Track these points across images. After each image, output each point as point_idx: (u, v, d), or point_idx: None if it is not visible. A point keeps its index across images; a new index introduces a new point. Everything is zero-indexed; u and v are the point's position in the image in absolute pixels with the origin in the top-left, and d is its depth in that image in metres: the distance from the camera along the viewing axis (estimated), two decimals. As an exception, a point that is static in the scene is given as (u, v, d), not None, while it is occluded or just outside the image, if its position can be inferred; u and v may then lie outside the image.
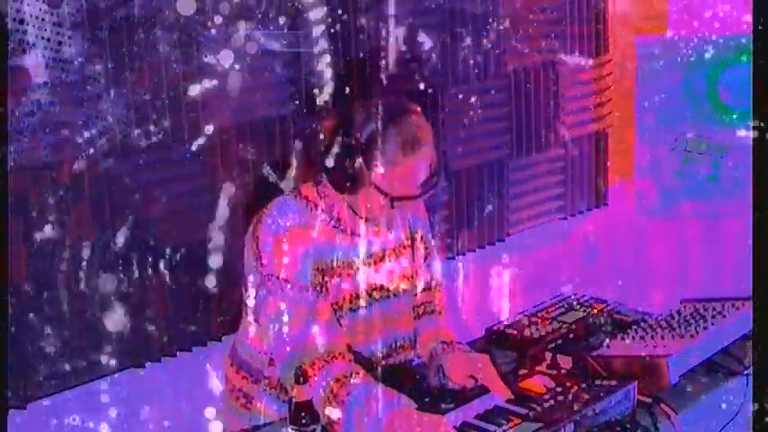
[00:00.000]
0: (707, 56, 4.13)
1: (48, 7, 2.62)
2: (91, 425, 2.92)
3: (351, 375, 2.36)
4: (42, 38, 2.62)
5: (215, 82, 2.98)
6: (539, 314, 3.10)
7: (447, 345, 2.70)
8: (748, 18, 3.97)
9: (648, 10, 4.28)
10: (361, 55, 3.31)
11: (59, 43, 2.66)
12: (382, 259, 2.65)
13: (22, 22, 2.58)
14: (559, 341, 2.90)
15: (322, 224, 2.54)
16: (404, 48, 3.44)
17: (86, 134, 2.77)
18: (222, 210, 3.07)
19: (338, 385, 2.33)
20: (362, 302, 2.61)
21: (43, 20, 2.62)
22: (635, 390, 2.51)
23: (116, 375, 2.95)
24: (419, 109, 2.52)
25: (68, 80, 2.69)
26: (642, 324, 2.91)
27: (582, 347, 2.83)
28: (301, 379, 2.29)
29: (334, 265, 2.54)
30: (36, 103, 2.63)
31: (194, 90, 2.94)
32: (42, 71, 2.63)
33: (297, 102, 3.19)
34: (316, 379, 2.36)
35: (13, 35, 2.55)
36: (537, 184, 4.08)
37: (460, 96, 3.69)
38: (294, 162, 3.15)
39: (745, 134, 4.07)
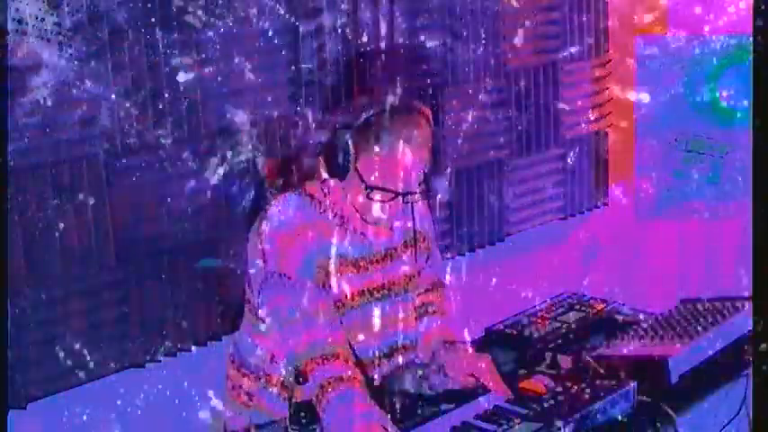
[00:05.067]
0: (707, 56, 4.13)
1: (48, 7, 2.62)
2: (91, 425, 2.92)
3: (336, 380, 2.35)
4: (42, 38, 2.62)
5: (215, 81, 2.99)
6: (539, 314, 3.10)
7: (448, 344, 2.70)
8: (748, 18, 3.97)
9: (648, 10, 4.28)
10: (362, 54, 3.31)
11: (59, 43, 2.66)
12: (385, 258, 2.66)
13: (21, 21, 2.58)
14: (559, 341, 2.90)
15: (326, 221, 2.55)
16: (404, 47, 3.44)
17: (86, 134, 2.77)
18: (223, 208, 3.07)
19: (322, 391, 2.34)
20: (364, 301, 2.61)
21: (43, 20, 2.62)
22: (635, 390, 2.51)
23: (116, 375, 2.95)
24: (423, 108, 2.51)
25: (68, 80, 2.69)
26: (642, 324, 2.91)
27: (582, 347, 2.83)
28: (301, 379, 2.29)
29: (337, 262, 2.54)
30: (36, 103, 2.63)
31: (195, 90, 2.94)
32: (42, 71, 2.63)
33: (298, 100, 3.19)
34: (315, 379, 2.36)
35: (13, 35, 2.55)
36: (537, 184, 4.08)
37: (460, 96, 3.69)
38: (298, 159, 3.16)
39: (745, 134, 4.07)
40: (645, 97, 4.22)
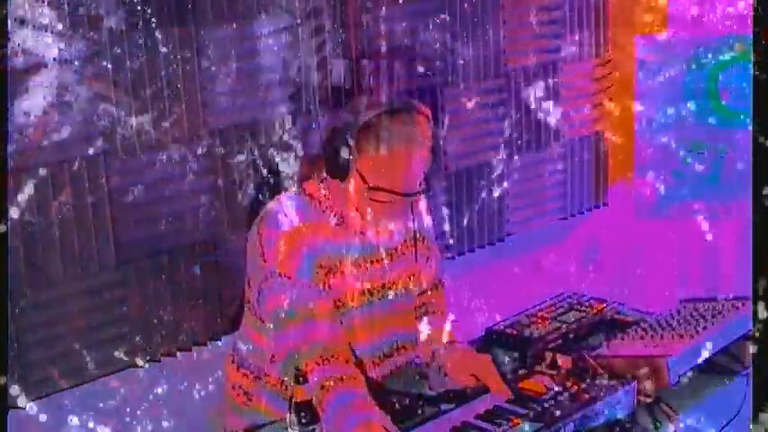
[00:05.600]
0: (707, 56, 4.13)
1: (48, 7, 2.62)
2: (91, 425, 2.92)
3: (336, 380, 2.35)
4: (42, 38, 2.62)
5: (216, 81, 2.99)
6: (539, 314, 3.10)
7: (448, 344, 2.70)
8: (748, 18, 3.97)
9: (648, 10, 4.28)
10: (362, 54, 3.31)
11: (59, 43, 2.66)
12: (385, 258, 2.66)
13: (22, 22, 2.58)
14: (559, 341, 2.90)
15: (325, 221, 2.55)
16: (404, 47, 3.44)
17: (86, 134, 2.77)
18: (223, 209, 3.07)
19: (322, 391, 2.34)
20: (364, 301, 2.61)
21: (43, 20, 2.62)
22: (635, 390, 2.51)
23: (116, 375, 2.95)
24: (423, 108, 2.51)
25: (68, 80, 2.69)
26: (642, 324, 2.91)
27: (582, 347, 2.83)
28: (301, 379, 2.29)
29: (337, 262, 2.54)
30: (36, 103, 2.63)
31: (194, 90, 2.94)
32: (42, 71, 2.63)
33: (298, 100, 3.19)
34: (315, 379, 2.37)
35: (13, 35, 2.55)
36: (537, 184, 4.09)
37: (460, 96, 3.69)
38: (298, 160, 3.16)
39: (746, 134, 4.07)
40: (645, 97, 4.22)
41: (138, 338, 2.96)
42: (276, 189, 3.05)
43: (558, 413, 2.37)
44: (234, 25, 2.99)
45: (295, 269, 2.46)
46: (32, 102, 2.63)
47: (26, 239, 2.68)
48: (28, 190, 2.67)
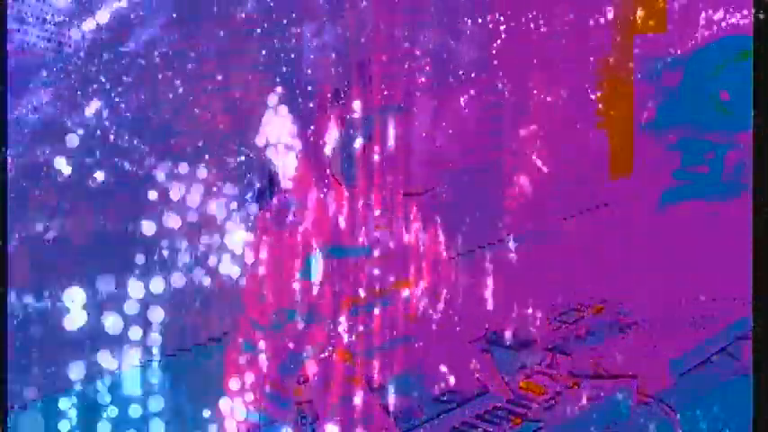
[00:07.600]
0: (707, 56, 4.13)
1: (48, 7, 2.62)
2: (91, 425, 2.92)
3: (336, 381, 2.36)
4: (42, 38, 2.62)
5: (215, 82, 2.98)
6: (540, 315, 3.10)
7: (449, 345, 2.70)
8: (748, 18, 3.97)
9: (648, 10, 4.28)
10: (362, 55, 3.31)
11: (60, 43, 2.66)
12: (385, 258, 2.66)
13: (21, 22, 2.58)
14: (559, 341, 2.90)
15: (326, 222, 2.55)
16: (404, 47, 3.44)
17: (85, 134, 2.77)
18: (223, 209, 3.07)
19: (323, 391, 2.34)
20: (364, 301, 2.61)
21: (43, 20, 2.62)
22: (635, 390, 2.51)
23: (115, 375, 2.94)
24: (424, 107, 2.52)
25: (68, 80, 2.69)
26: (642, 324, 2.91)
27: (582, 347, 2.83)
28: (301, 379, 2.29)
29: (337, 262, 2.54)
30: (36, 102, 2.63)
31: (194, 90, 2.94)
32: (42, 71, 2.63)
33: (297, 101, 3.19)
34: (315, 379, 2.37)
35: (14, 35, 2.55)
36: (536, 183, 4.08)
37: (460, 96, 3.69)
38: (298, 160, 3.16)
39: (745, 134, 4.07)
40: (645, 97, 4.22)
41: (138, 338, 2.95)
42: (277, 189, 3.04)
43: (558, 413, 2.36)
44: (234, 25, 2.99)
45: (295, 269, 2.47)
46: (32, 101, 2.62)
47: (26, 239, 2.68)
48: (28, 190, 2.66)
